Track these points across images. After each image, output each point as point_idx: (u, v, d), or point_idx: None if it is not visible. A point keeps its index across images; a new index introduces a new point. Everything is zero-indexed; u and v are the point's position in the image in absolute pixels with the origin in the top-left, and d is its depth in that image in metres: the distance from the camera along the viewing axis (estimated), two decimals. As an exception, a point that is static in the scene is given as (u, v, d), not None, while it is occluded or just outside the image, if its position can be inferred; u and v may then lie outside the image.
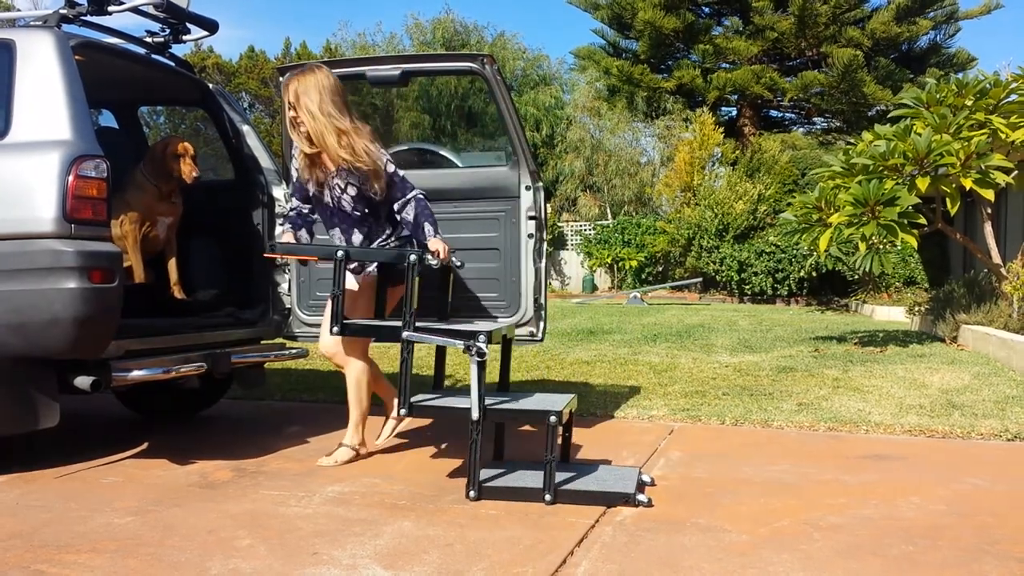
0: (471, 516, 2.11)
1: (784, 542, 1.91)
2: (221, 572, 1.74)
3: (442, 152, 3.81)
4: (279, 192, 3.27)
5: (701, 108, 16.87)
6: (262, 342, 3.25)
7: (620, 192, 18.84)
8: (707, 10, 17.79)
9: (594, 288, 16.58)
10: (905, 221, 5.11)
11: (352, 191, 2.64)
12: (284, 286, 3.30)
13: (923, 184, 5.13)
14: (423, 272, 2.59)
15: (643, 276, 15.74)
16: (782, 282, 13.50)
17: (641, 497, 2.18)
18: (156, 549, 1.87)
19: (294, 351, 3.23)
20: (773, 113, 18.65)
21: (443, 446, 2.97)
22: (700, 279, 14.49)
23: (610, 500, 2.18)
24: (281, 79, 2.86)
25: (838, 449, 2.89)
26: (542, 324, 3.10)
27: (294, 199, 2.78)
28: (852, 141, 6.31)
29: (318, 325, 2.98)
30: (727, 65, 17.19)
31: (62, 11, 2.77)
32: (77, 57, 2.56)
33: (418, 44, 22.17)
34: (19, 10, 16.51)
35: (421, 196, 2.68)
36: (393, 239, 2.73)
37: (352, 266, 2.73)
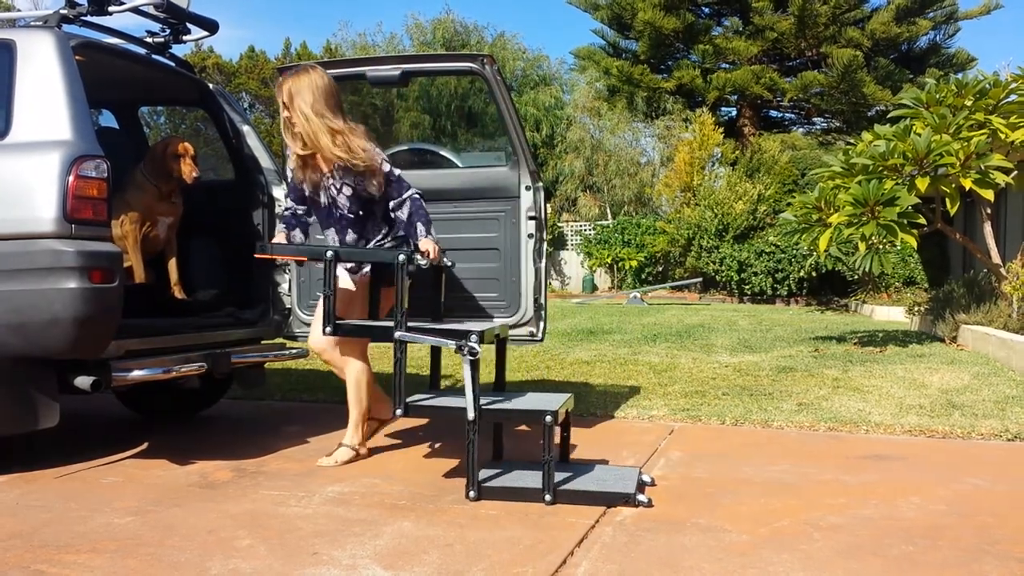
0: (471, 516, 2.11)
1: (784, 542, 1.91)
2: (221, 572, 1.74)
3: (442, 152, 3.81)
4: (279, 192, 3.27)
5: (701, 108, 16.88)
6: (262, 342, 3.25)
7: (620, 192, 18.84)
8: (707, 10, 17.80)
9: (594, 288, 16.58)
10: (905, 221, 5.11)
11: (348, 191, 2.64)
12: (284, 286, 3.30)
13: (923, 184, 5.13)
14: (418, 272, 2.59)
15: (643, 276, 15.74)
16: (782, 282, 13.51)
17: (641, 497, 2.18)
18: (156, 549, 1.87)
19: (294, 351, 3.23)
20: (773, 113, 18.65)
21: (443, 446, 2.97)
22: (700, 279, 14.49)
23: (610, 500, 2.18)
24: (280, 79, 2.86)
25: (838, 449, 2.89)
26: (542, 324, 3.10)
27: (289, 199, 2.78)
28: (852, 141, 6.31)
29: None
30: (727, 65, 17.19)
31: (62, 11, 2.77)
32: (77, 57, 2.56)
33: (418, 44, 22.18)
34: (19, 10, 16.51)
35: (417, 196, 2.68)
36: (389, 239, 2.73)
37: (349, 266, 2.73)
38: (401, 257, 2.46)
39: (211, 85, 3.45)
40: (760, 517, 2.09)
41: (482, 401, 2.34)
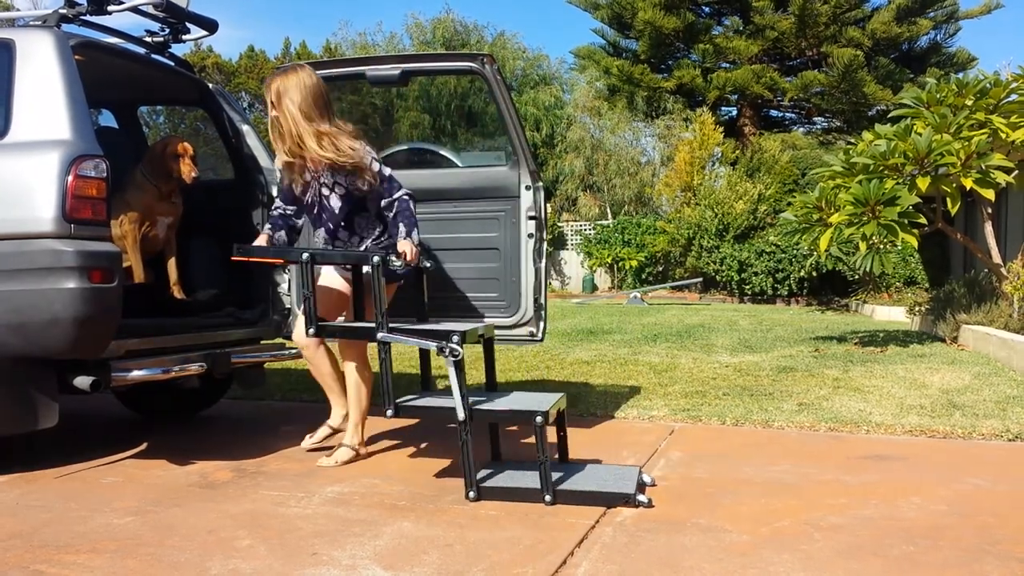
0: (471, 517, 2.11)
1: (785, 542, 1.91)
2: (221, 572, 1.74)
3: (442, 152, 3.81)
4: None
5: (701, 108, 16.87)
6: (262, 342, 3.25)
7: (620, 192, 18.84)
8: (707, 10, 17.79)
9: (594, 288, 16.57)
10: (905, 221, 5.11)
11: (339, 190, 2.64)
12: (284, 286, 3.29)
13: (923, 184, 5.12)
14: (408, 272, 2.60)
15: (643, 276, 15.74)
16: (782, 282, 13.50)
17: (641, 497, 2.17)
18: (156, 549, 1.87)
19: (294, 351, 3.22)
20: (773, 113, 18.65)
21: (443, 447, 2.96)
22: (700, 279, 14.49)
23: (610, 500, 2.17)
24: None
25: (839, 449, 2.89)
26: (542, 324, 3.10)
27: (278, 199, 2.77)
28: (852, 141, 6.30)
29: None
30: (727, 65, 17.19)
31: (62, 11, 2.76)
32: (77, 57, 2.56)
33: (418, 44, 22.18)
34: (19, 10, 16.50)
35: (406, 197, 2.66)
36: (384, 238, 2.72)
37: (349, 267, 2.72)
38: (375, 259, 2.45)
39: (211, 85, 3.44)
40: (760, 517, 2.09)
41: (473, 401, 2.35)
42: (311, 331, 2.53)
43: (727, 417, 3.39)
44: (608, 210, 18.84)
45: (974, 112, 5.28)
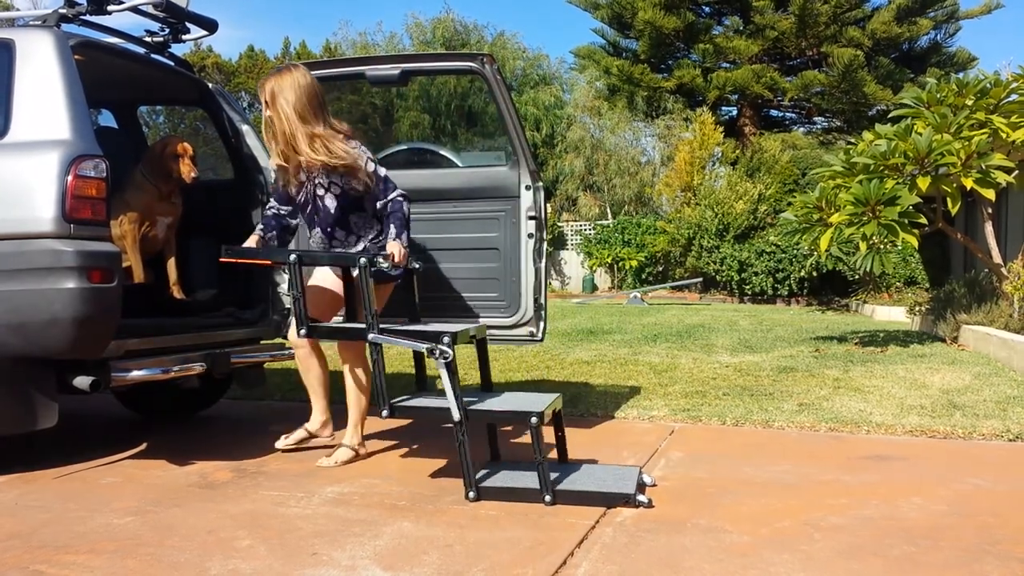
0: (471, 517, 2.11)
1: (785, 543, 1.90)
2: (221, 572, 1.73)
3: (442, 152, 3.80)
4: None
5: (701, 108, 16.87)
6: (261, 342, 3.24)
7: (620, 192, 18.84)
8: (707, 9, 17.79)
9: (594, 288, 16.57)
10: (906, 221, 5.11)
11: (335, 190, 2.64)
12: (284, 286, 3.29)
13: (924, 184, 5.12)
14: (404, 273, 2.61)
15: (643, 276, 15.73)
16: (782, 282, 13.50)
17: (641, 498, 2.17)
18: (155, 549, 1.87)
19: (293, 351, 3.22)
20: (773, 113, 18.65)
21: (443, 447, 2.96)
22: (700, 279, 14.48)
23: (610, 501, 2.17)
24: None
25: (839, 449, 2.89)
26: (542, 324, 3.09)
27: (272, 199, 2.77)
28: (853, 141, 6.30)
29: None
30: (727, 65, 17.19)
31: (61, 10, 2.76)
32: (76, 57, 2.55)
33: (418, 43, 22.17)
34: (18, 9, 16.50)
35: (400, 198, 2.65)
36: (382, 238, 2.71)
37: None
38: (362, 260, 2.45)
39: (210, 84, 3.44)
40: (761, 517, 2.09)
41: (468, 402, 2.34)
42: (302, 332, 2.53)
43: (727, 417, 3.38)
44: (608, 210, 18.84)
45: (974, 112, 5.28)
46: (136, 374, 2.55)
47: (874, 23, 15.88)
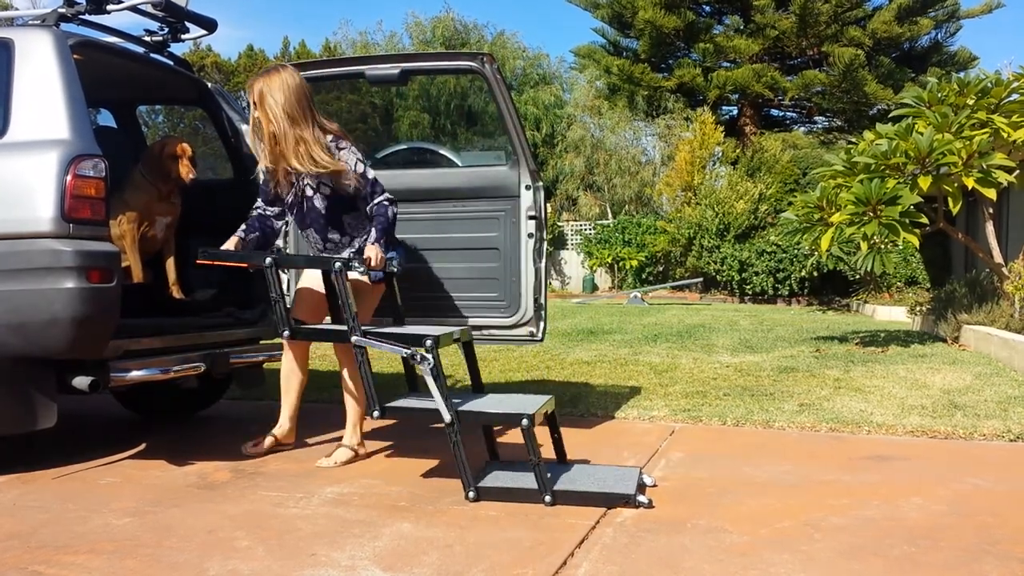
0: (471, 517, 2.10)
1: (785, 543, 1.90)
2: (220, 573, 1.73)
3: (442, 151, 3.80)
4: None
5: (702, 107, 16.86)
6: (261, 342, 3.24)
7: (620, 191, 18.83)
8: (708, 9, 17.79)
9: (594, 288, 16.57)
10: (907, 220, 5.10)
11: (325, 190, 2.63)
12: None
13: (925, 183, 5.11)
14: (399, 273, 2.64)
15: (644, 276, 15.73)
16: (783, 282, 13.49)
17: (641, 498, 2.17)
18: (154, 550, 1.86)
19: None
20: (774, 112, 18.64)
21: (442, 447, 2.95)
22: (701, 279, 14.48)
23: (610, 501, 2.17)
24: None
25: (840, 450, 2.88)
26: (542, 324, 3.09)
27: (259, 199, 2.76)
28: (853, 140, 6.30)
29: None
30: (728, 64, 17.18)
31: (60, 10, 2.75)
32: (75, 56, 2.55)
33: (418, 43, 22.17)
34: (17, 9, 16.49)
35: (386, 202, 2.65)
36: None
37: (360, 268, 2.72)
38: (338, 264, 2.45)
39: (210, 84, 3.44)
40: (761, 518, 2.08)
41: (459, 403, 2.34)
42: (285, 333, 2.52)
43: (728, 417, 3.38)
44: (608, 210, 18.83)
45: (975, 111, 5.27)
46: (135, 374, 2.54)
47: (875, 22, 15.87)
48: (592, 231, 17.18)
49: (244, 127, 3.37)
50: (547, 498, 2.18)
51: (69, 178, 2.35)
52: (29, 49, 2.50)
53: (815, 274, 13.10)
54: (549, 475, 2.25)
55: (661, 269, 15.82)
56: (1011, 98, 5.31)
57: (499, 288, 3.14)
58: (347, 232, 2.71)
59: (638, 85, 17.57)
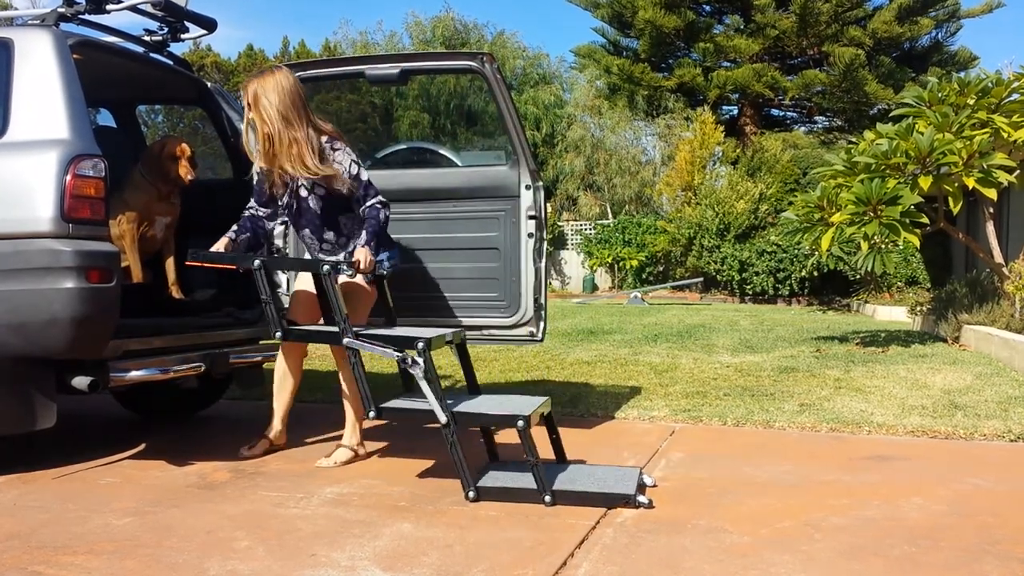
0: (471, 518, 2.10)
1: (786, 543, 1.90)
2: (219, 573, 1.73)
3: (442, 151, 3.80)
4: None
5: (702, 107, 16.86)
6: (260, 342, 3.24)
7: (621, 191, 18.83)
8: (708, 8, 17.78)
9: (594, 288, 16.57)
10: (907, 220, 5.10)
11: (319, 191, 2.64)
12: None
13: (925, 183, 5.11)
14: (393, 273, 2.65)
15: (644, 276, 15.72)
16: (783, 282, 13.49)
17: (641, 498, 2.16)
18: (154, 550, 1.86)
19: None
20: (774, 112, 18.64)
21: (442, 448, 2.94)
22: (701, 279, 14.47)
23: (610, 501, 2.17)
24: None
25: (840, 450, 2.88)
26: (542, 324, 3.09)
27: (252, 199, 2.75)
28: (854, 140, 6.29)
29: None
30: (728, 64, 17.18)
31: (60, 9, 2.75)
32: (75, 56, 2.55)
33: (418, 42, 22.16)
34: (17, 8, 16.49)
35: (379, 205, 2.65)
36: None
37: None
38: (326, 267, 2.46)
39: (209, 84, 3.43)
40: (761, 518, 2.08)
41: (455, 404, 2.34)
42: (277, 334, 2.52)
43: (728, 418, 3.37)
44: (608, 209, 18.82)
45: (976, 111, 5.26)
46: (135, 374, 2.54)
47: (875, 22, 15.87)
48: (592, 231, 17.18)
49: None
50: (547, 498, 2.18)
51: (69, 178, 2.35)
52: (29, 49, 2.50)
53: (815, 274, 13.10)
54: (549, 475, 2.25)
55: (661, 269, 15.82)
56: (1011, 98, 5.31)
57: (499, 288, 3.14)
58: (343, 233, 2.71)
59: (638, 85, 17.57)
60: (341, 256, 2.70)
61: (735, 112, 18.15)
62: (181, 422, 3.48)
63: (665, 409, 3.55)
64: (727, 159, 16.34)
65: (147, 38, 3.14)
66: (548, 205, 3.74)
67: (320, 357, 5.12)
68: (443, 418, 2.27)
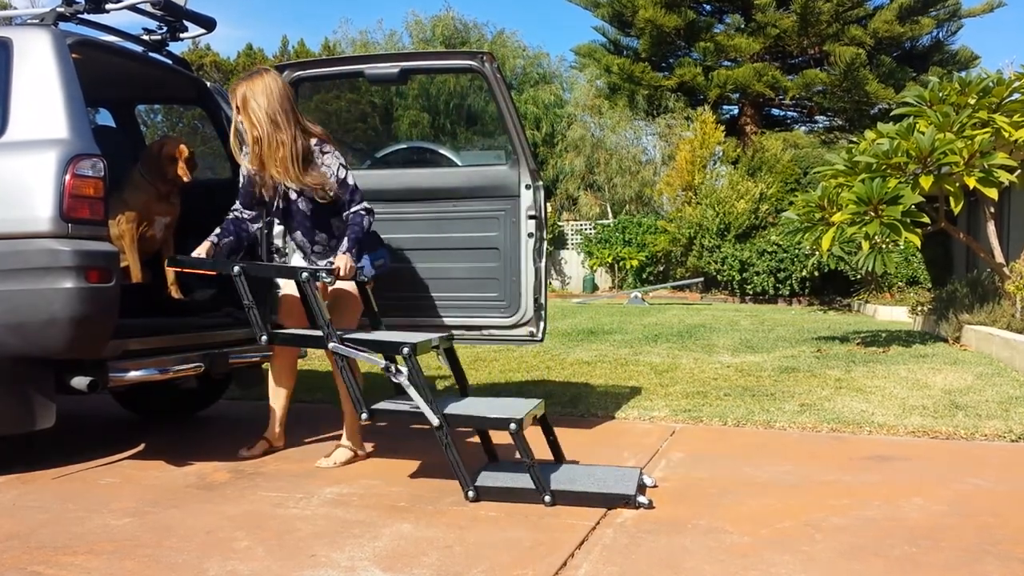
0: (471, 518, 2.10)
1: (786, 543, 1.89)
2: (219, 573, 1.73)
3: (441, 151, 3.80)
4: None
5: (702, 106, 16.85)
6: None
7: (621, 191, 18.82)
8: (708, 8, 17.77)
9: (595, 288, 16.56)
10: (908, 220, 5.09)
11: (309, 193, 2.64)
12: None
13: (926, 183, 5.10)
14: (381, 274, 2.67)
15: (644, 276, 15.72)
16: (784, 282, 13.48)
17: (641, 499, 2.16)
18: (154, 550, 1.86)
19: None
20: (775, 111, 18.63)
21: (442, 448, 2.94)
22: (701, 279, 14.47)
23: (610, 502, 2.16)
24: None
25: (841, 450, 2.87)
26: (542, 324, 3.08)
27: (238, 202, 2.75)
28: (855, 140, 6.28)
29: None
30: (728, 63, 17.17)
31: (59, 9, 2.75)
32: (74, 55, 2.54)
33: (418, 42, 22.16)
34: (16, 8, 16.48)
35: (363, 212, 2.64)
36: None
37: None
38: (304, 275, 2.46)
39: (209, 83, 3.43)
40: (762, 518, 2.08)
41: (448, 407, 2.34)
42: (263, 338, 2.52)
43: (728, 418, 3.37)
44: (609, 209, 18.82)
45: (977, 111, 5.26)
46: (134, 374, 2.54)
47: (876, 22, 15.85)
48: (592, 231, 17.17)
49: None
50: (547, 498, 2.18)
51: (68, 178, 2.35)
52: (27, 48, 2.49)
53: (816, 274, 13.09)
54: (549, 476, 2.25)
55: (661, 269, 15.81)
56: (1012, 97, 5.30)
57: (499, 288, 3.13)
58: (335, 234, 2.70)
59: (638, 84, 17.56)
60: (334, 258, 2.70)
61: (736, 112, 18.13)
62: (180, 422, 3.48)
63: (665, 409, 3.55)
64: (727, 159, 16.33)
65: (146, 37, 3.14)
66: (548, 205, 3.74)
67: (320, 357, 5.11)
68: (435, 421, 2.27)
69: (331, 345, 2.41)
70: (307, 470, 2.60)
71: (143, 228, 3.03)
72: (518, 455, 2.23)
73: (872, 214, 5.12)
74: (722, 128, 16.37)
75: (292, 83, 3.13)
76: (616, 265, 16.15)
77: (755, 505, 2.20)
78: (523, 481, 2.27)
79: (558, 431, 2.62)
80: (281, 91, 2.56)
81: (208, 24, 3.18)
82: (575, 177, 19.40)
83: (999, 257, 6.03)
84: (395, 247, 3.17)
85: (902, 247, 6.21)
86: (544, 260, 3.07)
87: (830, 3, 15.59)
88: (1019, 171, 5.21)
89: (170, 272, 3.14)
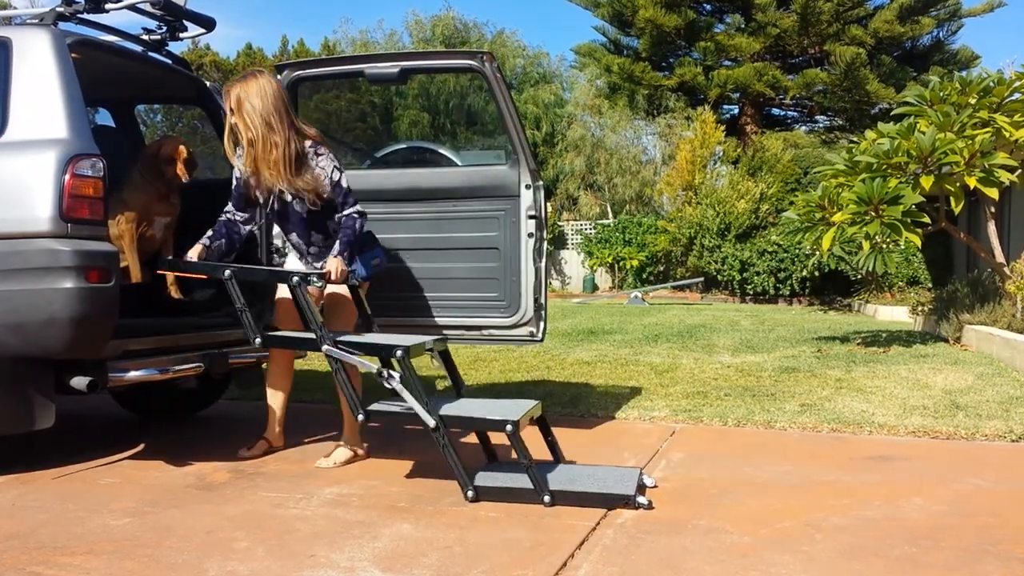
0: (470, 518, 2.09)
1: (786, 543, 1.89)
2: (219, 574, 1.72)
3: (441, 150, 3.79)
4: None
5: (703, 106, 16.84)
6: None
7: (621, 191, 18.82)
8: (709, 7, 17.76)
9: (595, 288, 16.56)
10: (909, 220, 5.08)
11: (303, 195, 2.63)
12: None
13: (927, 183, 5.10)
14: (378, 273, 2.68)
15: (644, 276, 15.71)
16: (784, 282, 13.47)
17: (641, 499, 2.16)
18: (153, 550, 1.86)
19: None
20: (775, 111, 18.62)
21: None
22: (702, 279, 14.46)
23: (610, 502, 2.16)
24: (279, 76, 2.84)
25: (841, 450, 2.87)
26: (542, 324, 3.08)
27: (230, 203, 2.75)
28: (855, 139, 6.28)
29: None
30: (729, 63, 17.16)
31: (59, 9, 2.75)
32: (73, 55, 2.54)
33: (418, 41, 22.16)
34: (15, 7, 16.48)
35: (355, 215, 2.64)
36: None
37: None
38: (295, 279, 2.46)
39: (208, 83, 3.43)
40: (762, 518, 2.07)
41: (444, 408, 2.34)
42: (257, 341, 2.52)
43: (729, 418, 3.37)
44: (609, 209, 18.81)
45: (977, 111, 5.25)
46: (134, 374, 2.54)
47: (876, 21, 15.84)
48: (592, 231, 17.17)
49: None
50: (546, 498, 2.17)
51: (67, 177, 2.34)
52: (27, 48, 2.49)
53: (816, 274, 13.08)
54: (548, 476, 2.24)
55: (662, 269, 15.81)
56: (1013, 97, 5.30)
57: (499, 288, 3.13)
58: (331, 235, 2.70)
59: (639, 84, 17.55)
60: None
61: (736, 111, 18.13)
62: (180, 422, 3.48)
63: (665, 409, 3.55)
64: (728, 158, 16.32)
65: (146, 37, 3.13)
66: (548, 205, 3.73)
67: (320, 357, 5.11)
68: (431, 422, 2.27)
69: (324, 348, 2.41)
70: (307, 470, 2.60)
71: (143, 228, 3.03)
72: (522, 459, 2.23)
73: (872, 214, 5.12)
74: (722, 128, 16.36)
75: (291, 83, 3.13)
76: (616, 265, 16.15)
77: (755, 505, 2.20)
78: (523, 481, 2.27)
79: (558, 431, 2.62)
80: (276, 93, 2.56)
81: (208, 24, 3.18)
82: (575, 177, 19.40)
83: (999, 257, 6.03)
84: (395, 247, 3.17)
85: (903, 247, 6.21)
86: (544, 260, 3.07)
87: (830, 3, 15.58)
88: (1020, 171, 5.20)
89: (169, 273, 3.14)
